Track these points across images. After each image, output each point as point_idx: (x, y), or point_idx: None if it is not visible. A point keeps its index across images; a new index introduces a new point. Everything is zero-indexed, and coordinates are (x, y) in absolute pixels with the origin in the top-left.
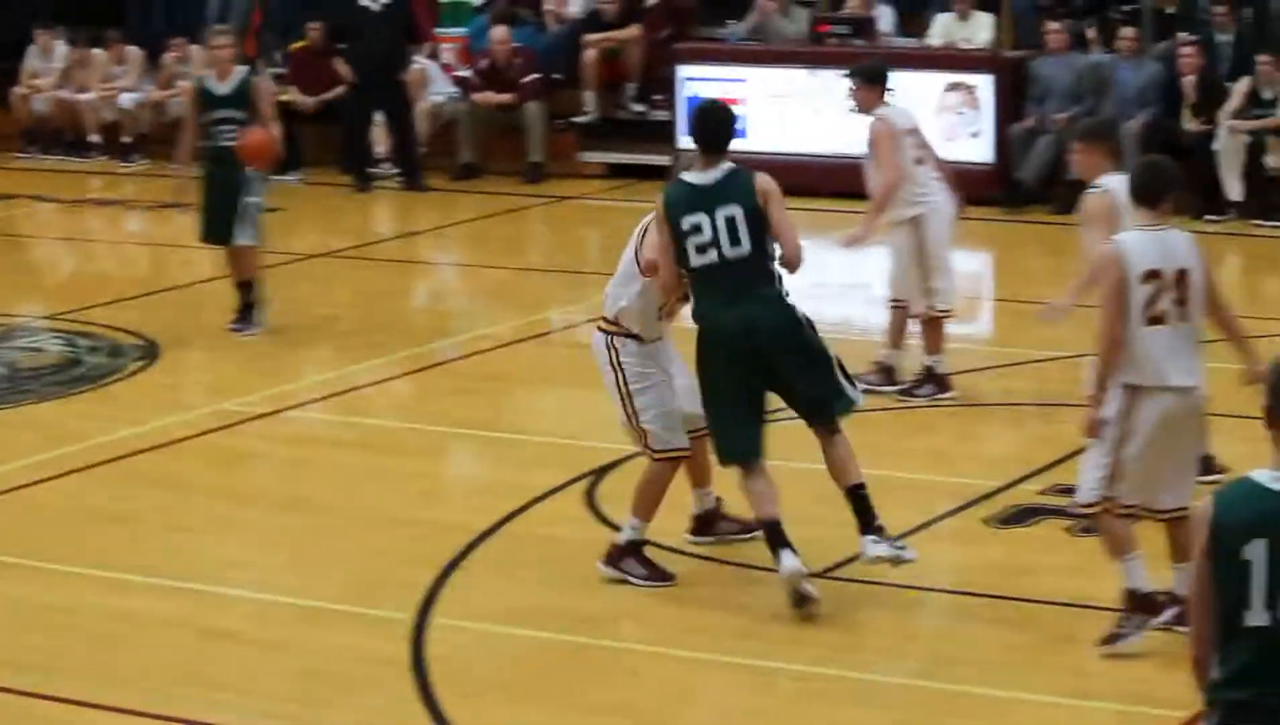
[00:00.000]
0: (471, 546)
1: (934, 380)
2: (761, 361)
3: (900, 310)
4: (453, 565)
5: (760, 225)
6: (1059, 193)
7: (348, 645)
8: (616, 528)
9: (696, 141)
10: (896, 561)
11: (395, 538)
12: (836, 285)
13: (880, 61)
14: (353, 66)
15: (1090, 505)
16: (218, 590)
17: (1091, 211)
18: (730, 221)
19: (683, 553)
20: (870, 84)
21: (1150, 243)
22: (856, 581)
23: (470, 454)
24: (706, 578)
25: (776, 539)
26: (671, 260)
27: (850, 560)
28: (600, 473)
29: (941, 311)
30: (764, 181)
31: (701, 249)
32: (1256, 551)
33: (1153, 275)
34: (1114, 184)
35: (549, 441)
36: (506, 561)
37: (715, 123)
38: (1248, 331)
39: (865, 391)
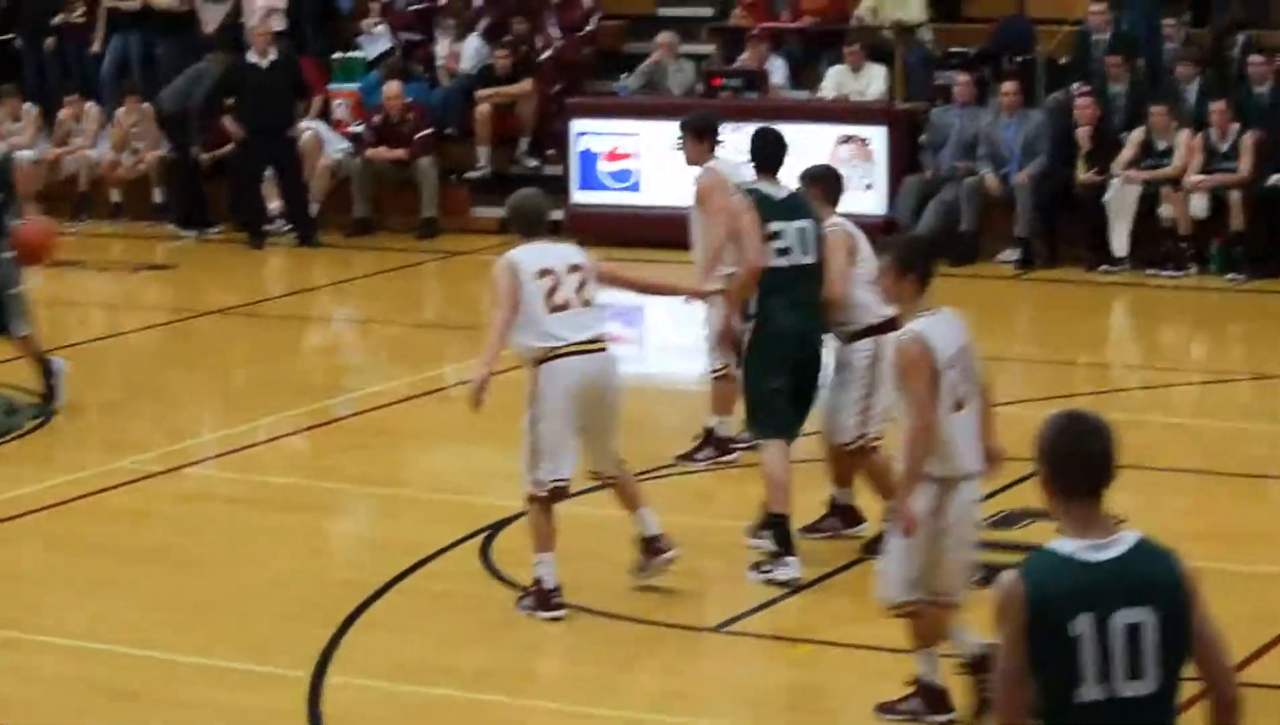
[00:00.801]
0: (367, 603)
1: (715, 443)
2: (800, 365)
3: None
4: (349, 622)
5: (819, 240)
6: (954, 244)
7: (246, 703)
8: (512, 584)
9: (761, 164)
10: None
11: (292, 595)
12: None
13: (709, 114)
14: (242, 124)
15: (900, 606)
16: (118, 650)
17: (833, 244)
18: (802, 232)
19: (588, 611)
20: (699, 137)
21: (941, 327)
22: (750, 635)
23: (366, 510)
24: (604, 635)
25: (787, 537)
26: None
27: (753, 612)
28: (495, 528)
29: None
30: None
31: (781, 252)
32: (1084, 626)
33: (952, 361)
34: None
35: (444, 498)
36: (402, 618)
37: (776, 145)
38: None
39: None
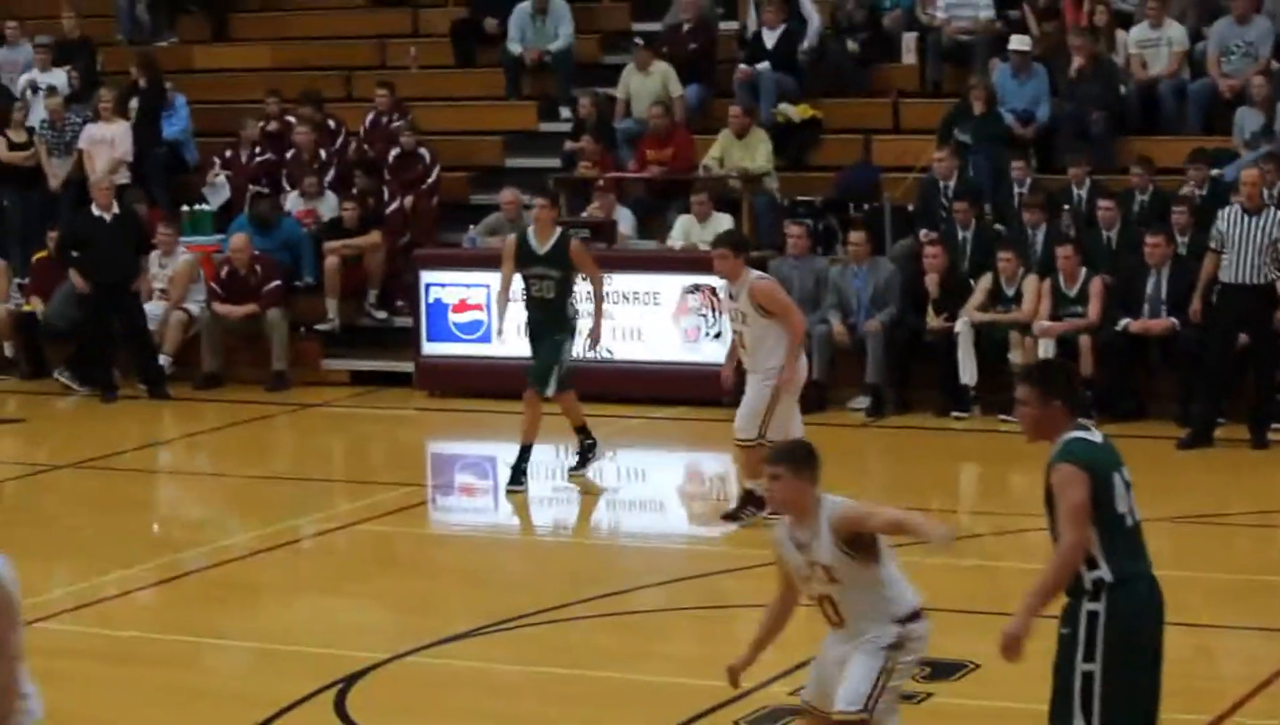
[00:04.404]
0: None
1: (754, 501)
2: None
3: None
4: None
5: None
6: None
7: None
8: None
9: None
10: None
11: None
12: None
13: (738, 230)
14: (85, 276)
15: None
16: None
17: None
18: None
19: None
20: (739, 251)
21: None
22: None
23: (221, 663)
24: None
25: None
26: None
27: None
28: (350, 680)
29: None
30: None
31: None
32: None
33: None
34: None
35: (298, 650)
36: None
37: None
38: None
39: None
